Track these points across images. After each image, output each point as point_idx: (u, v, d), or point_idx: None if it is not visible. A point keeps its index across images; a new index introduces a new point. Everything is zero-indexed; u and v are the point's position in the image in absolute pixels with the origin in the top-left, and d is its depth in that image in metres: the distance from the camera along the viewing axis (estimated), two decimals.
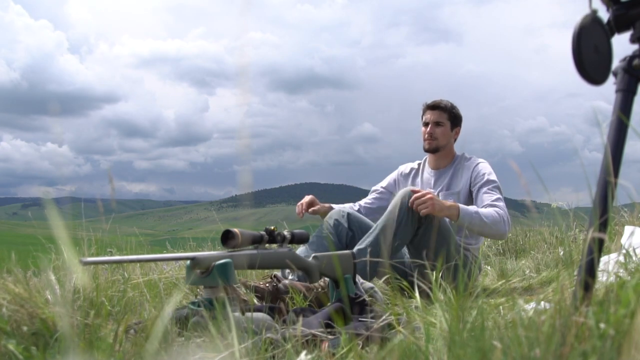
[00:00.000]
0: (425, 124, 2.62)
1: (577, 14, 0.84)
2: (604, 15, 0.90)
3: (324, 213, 2.58)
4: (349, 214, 2.49)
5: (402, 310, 1.22)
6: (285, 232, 1.56)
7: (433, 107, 2.61)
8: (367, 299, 1.60)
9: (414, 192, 2.22)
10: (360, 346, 1.15)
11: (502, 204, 2.34)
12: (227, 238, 1.43)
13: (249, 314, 1.29)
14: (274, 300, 1.71)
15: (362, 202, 2.78)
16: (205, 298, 1.30)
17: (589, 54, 0.84)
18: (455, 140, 2.66)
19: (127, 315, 1.50)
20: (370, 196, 2.81)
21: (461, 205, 2.25)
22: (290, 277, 1.99)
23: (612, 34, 0.90)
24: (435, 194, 2.51)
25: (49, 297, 1.10)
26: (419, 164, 2.76)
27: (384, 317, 1.23)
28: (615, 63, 0.89)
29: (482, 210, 2.27)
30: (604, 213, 0.81)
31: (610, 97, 0.88)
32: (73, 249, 1.37)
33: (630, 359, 0.61)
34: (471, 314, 0.83)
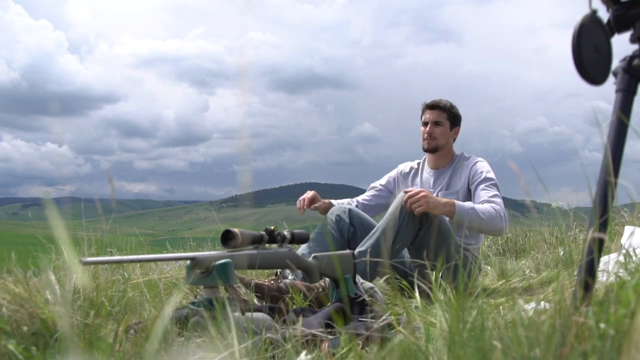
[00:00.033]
0: (425, 124, 2.61)
1: (577, 14, 0.84)
2: (604, 15, 0.90)
3: (324, 209, 2.58)
4: (350, 210, 2.50)
5: (402, 310, 1.22)
6: (285, 232, 1.57)
7: (432, 106, 2.60)
8: (367, 299, 1.60)
9: (407, 192, 2.22)
10: (360, 346, 1.15)
11: (499, 200, 2.33)
12: (227, 238, 1.43)
13: (249, 314, 1.29)
14: (274, 300, 1.71)
15: (360, 198, 2.78)
16: (205, 298, 1.30)
17: (589, 54, 0.84)
18: (454, 140, 2.66)
19: (127, 315, 1.50)
20: (369, 193, 2.80)
21: (457, 202, 2.24)
22: (290, 276, 1.99)
23: (612, 34, 0.90)
24: (435, 193, 2.51)
25: (49, 297, 1.10)
26: (419, 164, 2.75)
27: (384, 317, 1.23)
28: (615, 63, 0.89)
29: (479, 206, 2.26)
30: (604, 213, 0.81)
31: (610, 97, 0.88)
32: (73, 249, 1.37)
33: (630, 359, 0.61)
34: (471, 314, 0.83)
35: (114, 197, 1.14)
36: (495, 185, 2.41)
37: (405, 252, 2.40)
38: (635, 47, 0.88)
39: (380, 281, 1.97)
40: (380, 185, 2.80)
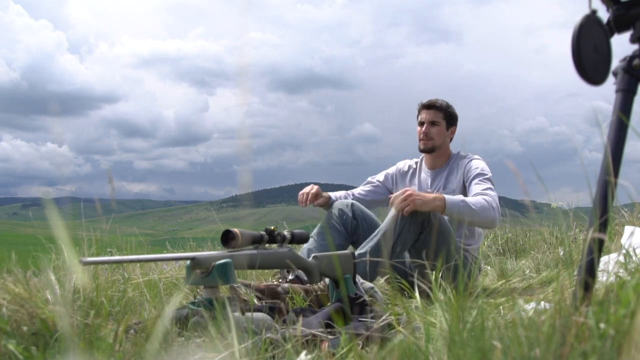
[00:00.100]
0: (421, 124, 2.60)
1: (577, 14, 0.84)
2: (604, 15, 0.90)
3: (327, 204, 2.59)
4: (352, 204, 2.52)
5: (402, 310, 1.22)
6: (285, 232, 1.57)
7: (428, 106, 2.59)
8: (367, 299, 1.60)
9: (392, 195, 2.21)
10: (360, 346, 1.15)
11: (492, 192, 2.31)
12: (227, 238, 1.43)
13: (249, 314, 1.29)
14: (274, 297, 1.71)
15: (356, 192, 2.77)
16: (205, 298, 1.30)
17: (589, 54, 0.84)
18: (451, 139, 2.65)
19: (127, 315, 1.50)
20: (365, 187, 2.79)
21: (447, 196, 2.22)
22: (290, 276, 1.99)
23: (612, 34, 0.90)
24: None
25: (49, 297, 1.10)
26: (417, 163, 2.75)
27: (384, 317, 1.23)
28: (615, 63, 0.89)
29: (469, 199, 2.24)
30: (604, 213, 0.81)
31: (610, 97, 0.88)
32: (73, 249, 1.37)
33: (630, 359, 0.61)
34: (471, 314, 0.83)
35: (114, 197, 1.14)
36: (488, 179, 2.39)
37: (406, 253, 2.40)
38: (635, 47, 0.88)
39: (381, 281, 1.97)
40: (378, 181, 2.79)
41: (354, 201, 2.55)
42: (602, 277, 0.90)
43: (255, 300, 1.73)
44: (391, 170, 2.82)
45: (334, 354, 1.06)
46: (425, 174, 2.67)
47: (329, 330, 1.26)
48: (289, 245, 1.58)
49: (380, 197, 2.75)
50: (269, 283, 1.79)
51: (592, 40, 0.85)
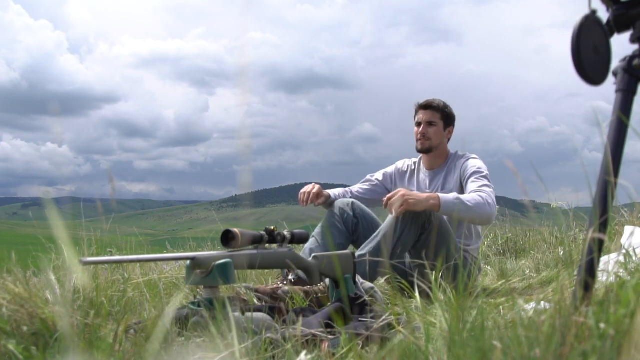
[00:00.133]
0: (418, 124, 2.59)
1: (577, 14, 0.84)
2: (604, 15, 0.90)
3: (325, 203, 2.59)
4: (353, 203, 2.53)
5: (402, 310, 1.22)
6: (285, 232, 1.57)
7: (425, 106, 2.58)
8: (367, 299, 1.60)
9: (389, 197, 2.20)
10: (360, 346, 1.15)
11: (487, 189, 2.29)
12: (227, 238, 1.43)
13: (249, 314, 1.29)
14: (274, 298, 1.72)
15: (355, 189, 2.76)
16: (205, 298, 1.30)
17: (588, 54, 0.84)
18: (448, 139, 2.63)
19: (127, 315, 1.50)
20: (364, 185, 2.78)
21: (440, 194, 2.21)
22: (290, 276, 1.99)
23: (612, 34, 0.90)
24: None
25: (49, 297, 1.10)
26: (415, 163, 2.74)
27: (384, 317, 1.23)
28: (615, 63, 0.89)
29: (464, 196, 2.23)
30: (604, 213, 0.81)
31: (610, 97, 0.88)
32: (73, 249, 1.37)
33: (630, 359, 0.61)
34: (471, 314, 0.83)
35: (114, 197, 1.14)
36: (484, 177, 2.38)
37: (406, 253, 2.40)
38: (635, 47, 0.88)
39: (381, 281, 1.97)
40: (377, 180, 2.78)
41: (354, 200, 2.56)
42: (602, 277, 0.90)
43: (255, 300, 1.73)
44: (390, 169, 2.81)
45: (334, 354, 1.06)
46: (423, 175, 2.67)
47: (329, 330, 1.26)
48: (289, 245, 1.58)
49: (378, 196, 2.74)
50: (274, 286, 1.78)
51: (591, 41, 0.85)
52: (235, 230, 1.43)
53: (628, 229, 1.96)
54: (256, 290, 1.74)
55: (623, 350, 0.62)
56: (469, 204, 2.18)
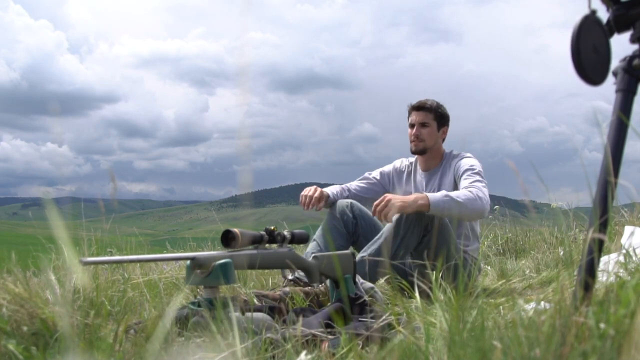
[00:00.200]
0: (411, 126, 2.57)
1: (577, 14, 0.84)
2: (604, 15, 0.90)
3: (325, 204, 2.59)
4: (352, 204, 2.53)
5: (402, 310, 1.22)
6: (285, 232, 1.57)
7: (418, 107, 2.57)
8: (367, 299, 1.60)
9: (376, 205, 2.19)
10: (360, 346, 1.15)
11: (479, 184, 2.28)
12: (227, 238, 1.43)
13: (249, 314, 1.29)
14: (274, 299, 1.71)
15: (352, 187, 2.74)
16: (205, 298, 1.30)
17: (588, 54, 0.84)
18: (443, 140, 2.62)
19: (127, 315, 1.50)
20: (361, 183, 2.77)
21: (429, 194, 2.19)
22: (290, 276, 1.99)
23: (612, 34, 0.90)
24: None
25: (49, 297, 1.10)
26: (412, 163, 2.73)
27: (384, 317, 1.23)
28: (615, 63, 0.89)
29: (453, 193, 2.22)
30: (604, 213, 0.81)
31: (610, 97, 0.88)
32: (73, 249, 1.37)
33: (630, 359, 0.61)
34: (471, 314, 0.83)
35: (115, 197, 1.14)
36: (476, 173, 2.36)
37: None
38: (635, 47, 0.88)
39: (381, 281, 1.97)
40: (375, 178, 2.77)
41: (352, 201, 2.56)
42: (602, 277, 0.90)
43: (255, 300, 1.73)
44: (387, 168, 2.79)
45: (334, 354, 1.06)
46: (420, 176, 2.66)
47: (329, 330, 1.26)
48: (289, 245, 1.58)
49: (375, 195, 2.73)
50: (278, 292, 1.78)
51: (591, 41, 0.85)
52: (235, 230, 1.43)
53: (628, 229, 1.96)
54: (264, 296, 1.73)
55: (623, 350, 0.62)
56: (458, 199, 2.16)
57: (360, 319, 1.44)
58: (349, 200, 2.55)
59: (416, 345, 0.85)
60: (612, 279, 0.94)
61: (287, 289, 1.77)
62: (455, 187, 2.46)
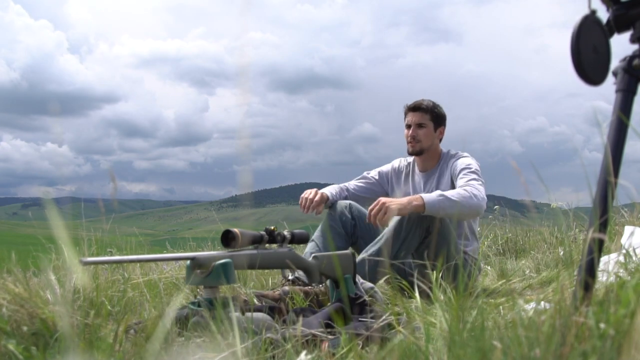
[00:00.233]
0: (408, 126, 2.56)
1: (577, 14, 0.84)
2: (604, 15, 0.90)
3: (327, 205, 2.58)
4: (350, 205, 2.52)
5: (402, 310, 1.22)
6: (285, 232, 1.57)
7: (414, 108, 2.55)
8: (367, 299, 1.60)
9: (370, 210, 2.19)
10: (360, 346, 1.15)
11: (475, 182, 2.27)
12: (227, 238, 1.43)
13: (249, 314, 1.29)
14: (274, 299, 1.71)
15: (351, 186, 2.73)
16: (205, 298, 1.30)
17: (588, 54, 0.84)
18: (440, 140, 2.61)
19: (127, 315, 1.50)
20: (360, 182, 2.76)
21: (423, 195, 2.19)
22: (290, 276, 1.99)
23: (612, 34, 0.90)
24: None
25: (49, 297, 1.10)
26: (410, 164, 2.72)
27: (384, 317, 1.23)
28: (615, 63, 0.89)
29: (448, 192, 2.21)
30: (604, 213, 0.81)
31: (610, 97, 0.88)
32: (73, 249, 1.37)
33: (630, 359, 0.61)
34: (471, 314, 0.83)
35: (115, 197, 1.14)
36: (473, 171, 2.36)
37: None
38: (635, 47, 0.88)
39: (381, 281, 1.98)
40: (374, 178, 2.76)
41: (351, 202, 2.55)
42: (602, 277, 0.90)
43: (255, 300, 1.73)
44: (386, 168, 2.78)
45: (334, 354, 1.06)
46: (418, 177, 2.66)
47: (329, 330, 1.26)
48: (289, 245, 1.58)
49: (374, 194, 2.72)
50: (277, 292, 1.78)
51: (591, 41, 0.85)
52: (235, 230, 1.43)
53: (628, 229, 1.96)
54: (263, 296, 1.73)
55: (623, 350, 0.62)
56: (453, 198, 2.16)
57: (360, 319, 1.44)
58: (348, 202, 2.55)
59: (416, 345, 0.86)
60: (612, 279, 0.94)
61: (287, 287, 1.77)
62: (453, 187, 2.45)
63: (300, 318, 1.28)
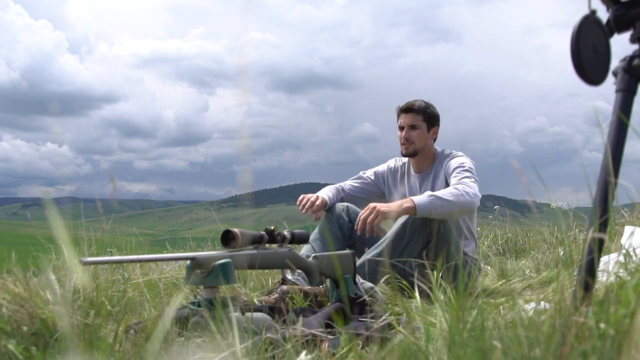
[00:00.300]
0: (401, 128, 2.55)
1: (577, 14, 0.84)
2: (604, 15, 0.90)
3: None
4: (347, 207, 2.51)
5: (402, 310, 1.22)
6: (285, 232, 1.57)
7: (406, 109, 2.54)
8: (367, 299, 1.60)
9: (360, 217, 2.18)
10: (360, 346, 1.15)
11: (467, 180, 2.26)
12: (227, 238, 1.43)
13: (249, 314, 1.29)
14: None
15: (347, 187, 2.71)
16: (205, 298, 1.30)
17: (588, 54, 0.84)
18: (434, 140, 2.60)
19: (127, 315, 1.50)
20: (355, 182, 2.74)
21: (413, 197, 2.18)
22: (290, 276, 1.99)
23: (612, 34, 0.90)
24: None
25: (49, 297, 1.10)
26: (405, 164, 2.71)
27: (384, 317, 1.23)
28: (615, 63, 0.89)
29: (439, 191, 2.20)
30: (604, 213, 0.81)
31: (610, 97, 0.88)
32: (73, 249, 1.37)
33: (630, 359, 0.61)
34: (471, 314, 0.83)
35: (115, 197, 1.14)
36: (466, 170, 2.34)
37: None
38: (635, 47, 0.88)
39: (381, 281, 1.98)
40: (369, 178, 2.74)
41: (349, 204, 2.53)
42: (602, 277, 0.90)
43: (255, 301, 1.73)
44: (381, 168, 2.77)
45: (334, 354, 1.06)
46: (413, 178, 2.64)
47: (329, 330, 1.26)
48: (289, 245, 1.58)
49: (370, 195, 2.71)
50: (274, 295, 1.78)
51: (591, 41, 0.85)
52: (235, 230, 1.43)
53: (628, 229, 1.96)
54: (260, 302, 1.73)
55: (623, 350, 0.62)
56: (444, 197, 2.15)
57: (360, 319, 1.44)
58: (345, 204, 2.53)
59: (416, 345, 0.86)
60: (612, 279, 0.94)
61: (285, 287, 1.77)
62: (448, 186, 2.45)
63: (300, 318, 1.28)
